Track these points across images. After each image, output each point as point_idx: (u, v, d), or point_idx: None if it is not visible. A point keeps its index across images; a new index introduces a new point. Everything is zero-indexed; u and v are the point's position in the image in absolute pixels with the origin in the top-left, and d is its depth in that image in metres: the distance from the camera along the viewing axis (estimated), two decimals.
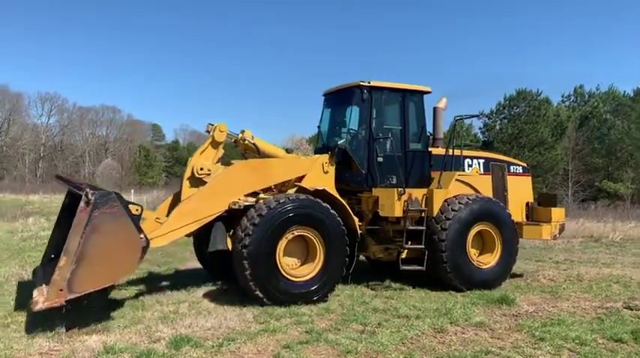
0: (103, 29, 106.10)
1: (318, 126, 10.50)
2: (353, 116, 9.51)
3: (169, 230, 7.82)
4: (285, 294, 7.70)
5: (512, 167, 10.55)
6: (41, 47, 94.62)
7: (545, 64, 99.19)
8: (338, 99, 10.07)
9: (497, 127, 47.56)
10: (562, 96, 55.02)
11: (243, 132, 9.11)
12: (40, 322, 6.53)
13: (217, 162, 8.67)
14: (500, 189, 10.14)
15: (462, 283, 8.89)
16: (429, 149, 9.82)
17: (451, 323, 6.95)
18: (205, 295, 8.43)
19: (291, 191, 8.51)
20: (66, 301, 6.18)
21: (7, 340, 5.98)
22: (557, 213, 10.33)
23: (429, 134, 10.10)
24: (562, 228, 10.56)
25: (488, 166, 10.21)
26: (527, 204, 10.56)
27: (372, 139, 9.14)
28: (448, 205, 9.03)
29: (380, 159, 9.14)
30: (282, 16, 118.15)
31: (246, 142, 9.08)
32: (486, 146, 46.54)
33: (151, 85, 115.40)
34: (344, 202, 8.58)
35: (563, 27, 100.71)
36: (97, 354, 5.56)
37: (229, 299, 8.02)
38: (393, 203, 8.92)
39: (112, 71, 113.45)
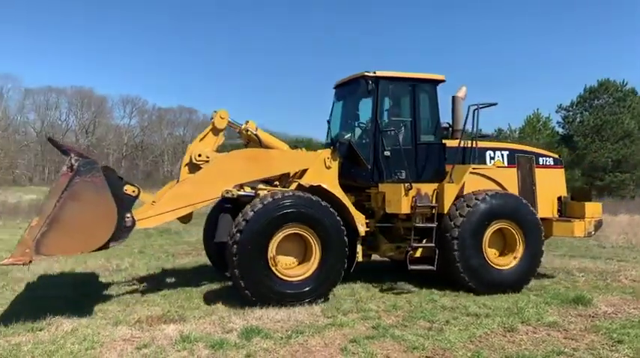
0: (180, 34, 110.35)
1: (328, 121, 10.15)
2: (359, 109, 9.25)
3: (160, 212, 7.75)
4: (275, 293, 7.41)
5: (541, 159, 9.74)
6: (123, 52, 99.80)
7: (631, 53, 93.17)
8: (345, 92, 9.75)
9: (578, 120, 45.44)
10: None
11: (247, 122, 8.94)
12: (123, 312, 7.03)
13: (217, 149, 8.60)
14: (527, 182, 9.48)
15: (477, 285, 8.35)
16: (443, 141, 9.17)
17: (522, 322, 6.77)
18: None
19: (293, 186, 8.29)
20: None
21: (95, 327, 6.44)
22: (592, 209, 9.52)
23: (447, 125, 9.58)
24: (599, 225, 9.66)
25: (514, 158, 9.46)
26: (559, 198, 9.78)
27: (379, 132, 8.68)
28: (464, 201, 8.52)
29: (387, 153, 8.66)
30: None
31: (249, 133, 8.90)
32: (565, 140, 44.51)
33: (225, 86, 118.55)
34: (343, 199, 8.21)
35: None
36: (175, 342, 5.90)
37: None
38: (399, 199, 8.50)
39: (188, 73, 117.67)
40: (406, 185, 8.49)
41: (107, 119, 78.65)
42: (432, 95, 9.14)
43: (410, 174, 8.74)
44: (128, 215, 7.20)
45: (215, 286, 8.90)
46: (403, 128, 8.96)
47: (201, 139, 8.59)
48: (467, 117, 8.90)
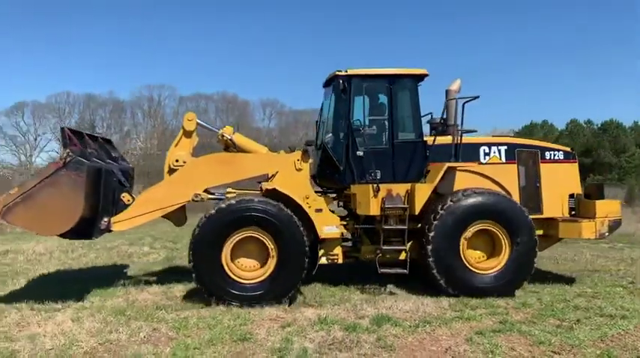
0: (312, 41, 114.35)
1: (316, 122, 9.97)
2: (337, 108, 8.87)
3: (131, 216, 8.17)
4: (229, 295, 7.60)
5: (547, 153, 8.95)
6: (262, 59, 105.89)
7: None
8: (326, 92, 9.53)
9: None
10: None
11: (223, 128, 9.06)
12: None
13: (193, 152, 8.81)
14: (530, 179, 8.82)
15: (455, 290, 7.94)
16: (435, 138, 8.66)
17: None
18: (401, 283, 8.93)
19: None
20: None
21: (248, 308, 7.43)
22: (604, 207, 8.59)
23: (440, 119, 9.02)
24: (615, 225, 8.65)
25: (513, 153, 8.77)
26: (572, 196, 8.93)
27: (351, 132, 8.48)
28: (439, 202, 8.09)
29: (360, 154, 8.43)
30: None
31: (225, 138, 8.90)
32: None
33: None
34: (301, 202, 8.10)
35: None
36: (313, 323, 6.66)
37: (425, 288, 8.48)
38: (368, 200, 8.31)
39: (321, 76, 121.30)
40: (374, 186, 8.32)
41: (249, 122, 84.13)
42: (413, 91, 8.76)
43: (386, 174, 8.52)
44: (106, 219, 8.08)
45: (347, 278, 9.55)
46: (378, 127, 8.73)
47: (176, 144, 8.84)
48: (463, 112, 8.47)
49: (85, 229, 8.05)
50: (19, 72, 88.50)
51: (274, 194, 8.04)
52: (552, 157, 8.95)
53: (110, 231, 8.28)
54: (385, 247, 8.33)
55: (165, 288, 8.90)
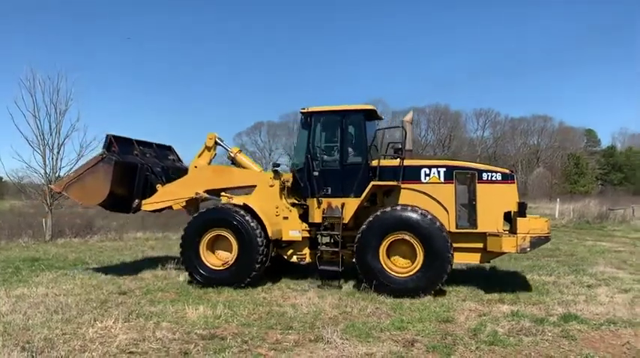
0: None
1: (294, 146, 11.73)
2: (303, 137, 10.77)
3: (154, 201, 11.59)
4: (204, 278, 10.30)
5: (485, 174, 9.72)
6: (473, 71, 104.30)
7: None
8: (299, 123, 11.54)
9: None
10: None
11: (232, 148, 12.04)
12: (471, 293, 9.46)
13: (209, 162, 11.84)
14: (467, 197, 9.74)
15: (376, 288, 9.35)
16: (369, 162, 10.15)
17: None
18: (598, 289, 9.69)
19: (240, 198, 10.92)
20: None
21: (449, 299, 9.00)
22: (527, 224, 9.34)
23: (396, 146, 10.76)
24: (538, 241, 9.34)
25: (451, 174, 9.75)
26: (509, 213, 9.63)
27: (310, 156, 10.41)
28: (368, 215, 9.78)
29: (316, 174, 10.36)
30: None
31: (232, 155, 11.89)
32: None
33: (584, 89, 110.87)
34: (258, 212, 10.29)
35: None
36: (505, 315, 7.98)
37: (626, 296, 9.05)
38: (314, 211, 10.39)
39: (542, 80, 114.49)
40: (318, 199, 10.30)
41: (461, 132, 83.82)
42: (360, 123, 10.42)
43: (335, 190, 10.30)
44: (137, 200, 11.51)
45: (540, 282, 10.41)
46: (331, 152, 10.63)
47: (199, 156, 11.83)
48: (405, 137, 10.30)
49: (123, 205, 11.84)
50: (258, 95, 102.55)
51: (242, 207, 10.51)
52: (489, 178, 9.76)
53: (140, 209, 11.80)
54: (323, 248, 10.46)
55: None
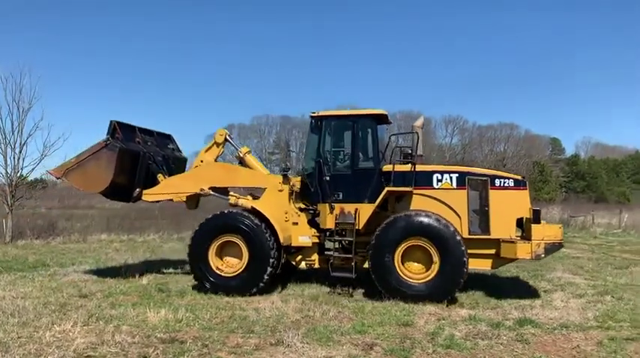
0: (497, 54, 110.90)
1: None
2: (314, 141, 10.45)
3: (156, 192, 11.26)
4: (212, 285, 9.91)
5: (497, 181, 9.69)
6: (442, 77, 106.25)
7: None
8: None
9: None
10: None
11: (242, 147, 11.73)
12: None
13: (216, 158, 11.50)
14: (479, 203, 9.65)
15: (391, 295, 9.26)
16: (381, 166, 10.02)
17: None
18: (554, 294, 10.00)
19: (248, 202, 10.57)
20: None
21: (412, 305, 9.13)
22: (541, 231, 9.33)
23: (407, 151, 10.32)
24: (552, 247, 9.38)
25: (464, 180, 9.66)
26: (522, 219, 9.63)
27: (321, 161, 10.10)
28: (382, 220, 9.52)
29: (327, 178, 10.00)
30: None
31: (239, 154, 11.54)
32: None
33: (548, 98, 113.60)
34: (269, 217, 9.93)
35: None
36: (464, 319, 8.18)
37: (580, 301, 9.39)
38: (325, 216, 9.96)
39: (507, 89, 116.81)
40: (331, 205, 9.95)
41: (431, 139, 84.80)
42: (372, 128, 10.18)
43: (347, 195, 9.97)
44: (138, 189, 11.09)
45: (501, 289, 10.69)
46: (342, 157, 10.41)
47: (206, 150, 11.44)
48: (418, 143, 10.14)
49: (123, 194, 11.45)
50: (227, 97, 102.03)
51: (251, 211, 10.20)
52: (502, 184, 9.70)
53: (140, 199, 11.37)
54: (336, 254, 10.11)
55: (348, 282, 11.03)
